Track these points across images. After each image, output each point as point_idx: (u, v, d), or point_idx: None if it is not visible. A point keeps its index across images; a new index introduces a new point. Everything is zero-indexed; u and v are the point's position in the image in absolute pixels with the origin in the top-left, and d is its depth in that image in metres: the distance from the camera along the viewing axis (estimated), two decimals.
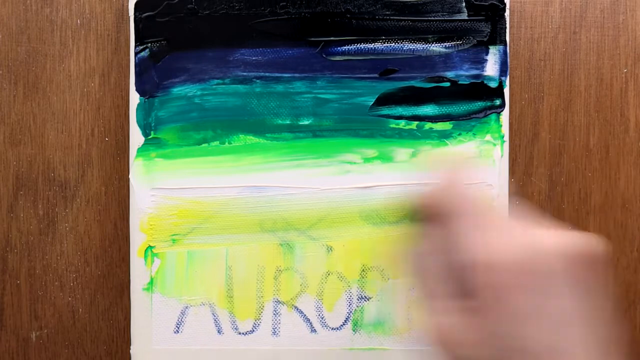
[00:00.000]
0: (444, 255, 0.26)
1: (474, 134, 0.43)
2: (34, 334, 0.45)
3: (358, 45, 0.43)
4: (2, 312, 0.45)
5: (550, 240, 0.25)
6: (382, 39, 0.42)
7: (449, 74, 0.43)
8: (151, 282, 0.43)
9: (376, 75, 0.43)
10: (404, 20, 0.42)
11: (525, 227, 0.25)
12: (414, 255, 0.28)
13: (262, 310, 0.43)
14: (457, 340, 0.25)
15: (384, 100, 0.43)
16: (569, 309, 0.24)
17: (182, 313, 0.43)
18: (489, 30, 0.42)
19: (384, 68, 0.43)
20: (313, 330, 0.43)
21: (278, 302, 0.43)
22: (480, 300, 0.24)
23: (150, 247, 0.43)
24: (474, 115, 0.43)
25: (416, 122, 0.43)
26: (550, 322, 0.24)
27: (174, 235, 0.43)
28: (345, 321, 0.43)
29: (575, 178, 0.45)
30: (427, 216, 0.27)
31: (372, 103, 0.43)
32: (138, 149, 0.43)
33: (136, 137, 0.43)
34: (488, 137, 0.43)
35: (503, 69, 0.43)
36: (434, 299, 0.26)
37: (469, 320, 0.24)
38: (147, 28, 0.42)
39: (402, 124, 0.43)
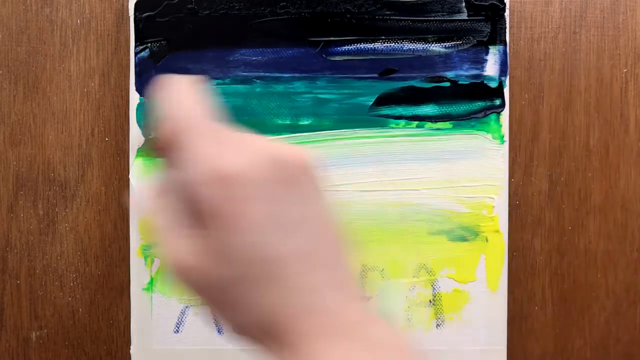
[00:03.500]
0: (178, 182, 0.25)
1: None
2: (34, 334, 0.45)
3: (358, 45, 0.43)
4: (2, 312, 0.45)
5: (276, 149, 0.24)
6: (382, 39, 0.42)
7: (449, 74, 0.43)
8: (151, 282, 0.43)
9: (376, 75, 0.43)
10: (404, 20, 0.42)
11: (253, 138, 0.25)
12: (149, 190, 0.27)
13: None
14: (194, 265, 0.24)
15: (384, 100, 0.43)
16: (303, 212, 0.24)
17: (182, 313, 0.43)
18: (489, 30, 0.42)
19: (384, 68, 0.43)
20: None
21: None
22: (215, 216, 0.23)
23: (150, 247, 0.43)
24: (474, 115, 0.43)
25: (416, 122, 0.43)
26: (288, 227, 0.24)
27: None
28: None
29: (575, 178, 0.45)
30: (162, 147, 0.26)
31: (372, 103, 0.43)
32: (138, 149, 0.43)
33: (136, 137, 0.43)
34: (488, 137, 0.43)
35: (503, 69, 0.43)
36: (170, 230, 0.25)
37: (205, 242, 0.24)
38: (147, 28, 0.42)
39: (402, 124, 0.43)
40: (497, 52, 0.42)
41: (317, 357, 0.24)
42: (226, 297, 0.25)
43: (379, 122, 0.43)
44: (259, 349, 0.26)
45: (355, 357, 0.24)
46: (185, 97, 0.25)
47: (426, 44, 0.42)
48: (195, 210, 0.24)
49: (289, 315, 0.24)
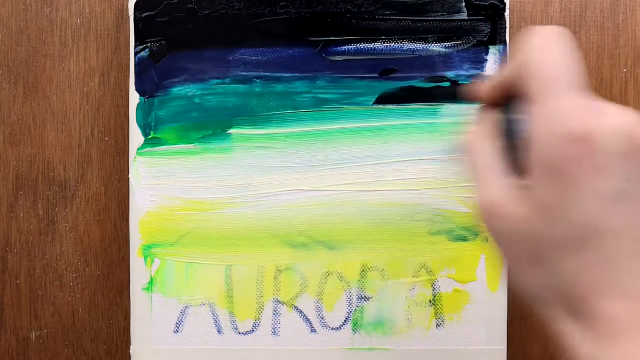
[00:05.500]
0: (524, 130, 0.24)
1: None
2: (34, 334, 0.45)
3: (358, 45, 0.43)
4: (2, 312, 0.45)
5: (618, 119, 0.24)
6: (382, 39, 0.42)
7: (449, 74, 0.43)
8: (151, 282, 0.43)
9: (376, 75, 0.43)
10: (404, 20, 0.42)
11: (615, 110, 0.24)
12: (468, 137, 0.27)
13: (262, 310, 0.43)
14: (507, 212, 0.24)
15: (384, 100, 0.43)
16: (625, 189, 0.23)
17: (182, 313, 0.43)
18: (489, 30, 0.42)
19: (384, 68, 0.43)
20: (313, 330, 0.43)
21: (278, 302, 0.43)
22: (559, 173, 0.23)
23: (150, 247, 0.43)
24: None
25: (417, 122, 0.43)
26: (632, 206, 0.23)
27: (173, 235, 0.43)
28: (345, 321, 0.43)
29: None
30: (515, 92, 0.25)
31: (372, 103, 0.43)
32: (138, 149, 0.43)
33: (136, 137, 0.43)
34: None
35: None
36: (487, 176, 0.25)
37: (522, 193, 0.24)
38: (147, 28, 0.42)
39: (401, 123, 0.43)
40: (497, 52, 0.42)
41: (620, 341, 0.23)
42: (535, 254, 0.24)
43: (379, 121, 0.43)
44: (545, 314, 0.25)
45: None
46: (564, 52, 0.25)
47: (426, 44, 0.42)
48: (540, 162, 0.23)
49: (601, 291, 0.23)
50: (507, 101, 0.26)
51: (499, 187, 0.25)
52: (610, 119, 0.23)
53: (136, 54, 0.43)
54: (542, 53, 0.25)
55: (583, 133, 0.23)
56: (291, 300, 0.43)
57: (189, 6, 0.42)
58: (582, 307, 0.24)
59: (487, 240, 0.43)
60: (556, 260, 0.24)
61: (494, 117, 0.27)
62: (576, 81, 0.24)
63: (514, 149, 0.25)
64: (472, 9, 0.42)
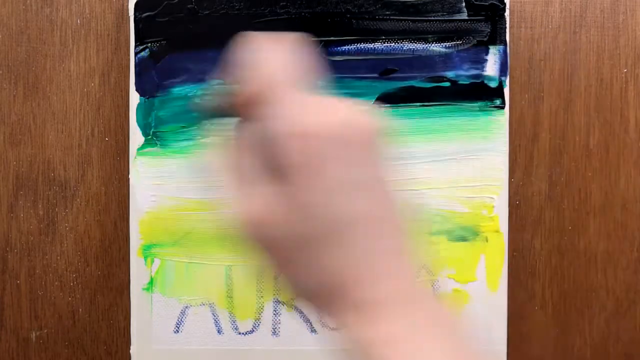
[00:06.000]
0: (259, 137, 0.25)
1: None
2: (34, 334, 0.45)
3: (358, 45, 0.43)
4: (2, 312, 0.45)
5: (354, 112, 0.25)
6: (382, 39, 0.42)
7: (449, 74, 0.43)
8: (151, 282, 0.43)
9: (376, 75, 0.43)
10: (404, 20, 0.42)
11: (333, 100, 0.25)
12: (217, 153, 0.27)
13: (262, 310, 0.43)
14: (271, 219, 0.24)
15: (384, 100, 0.43)
16: (374, 176, 0.25)
17: (182, 313, 0.43)
18: (489, 30, 0.42)
19: (384, 68, 0.43)
20: (313, 330, 0.43)
21: (278, 302, 0.43)
22: (295, 172, 0.24)
23: (150, 247, 0.43)
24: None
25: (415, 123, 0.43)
26: (361, 189, 0.24)
27: (173, 235, 0.43)
28: None
29: (575, 178, 0.45)
30: (245, 102, 0.26)
31: (372, 103, 0.43)
32: (138, 149, 0.43)
33: (136, 137, 0.43)
34: (488, 136, 0.43)
35: (503, 69, 0.43)
36: (244, 185, 0.25)
37: (280, 198, 0.24)
38: (147, 28, 0.42)
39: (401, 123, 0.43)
40: (497, 52, 0.42)
41: (383, 322, 0.24)
42: (295, 255, 0.25)
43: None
44: (320, 312, 0.26)
45: (421, 325, 0.24)
46: (278, 54, 0.25)
47: (426, 44, 0.42)
48: (275, 165, 0.24)
49: (356, 279, 0.24)
50: (246, 109, 0.26)
51: (258, 196, 0.25)
52: (333, 111, 0.24)
53: (136, 54, 0.43)
54: (261, 57, 0.25)
55: (309, 129, 0.23)
56: (291, 300, 0.43)
57: (189, 6, 0.42)
58: (346, 296, 0.24)
59: (487, 240, 0.43)
60: (317, 256, 0.24)
61: (239, 127, 0.27)
62: (298, 79, 0.25)
63: (264, 156, 0.25)
64: (472, 9, 0.42)
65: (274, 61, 0.25)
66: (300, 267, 0.25)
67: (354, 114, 0.25)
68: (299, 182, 0.24)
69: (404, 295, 0.24)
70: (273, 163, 0.24)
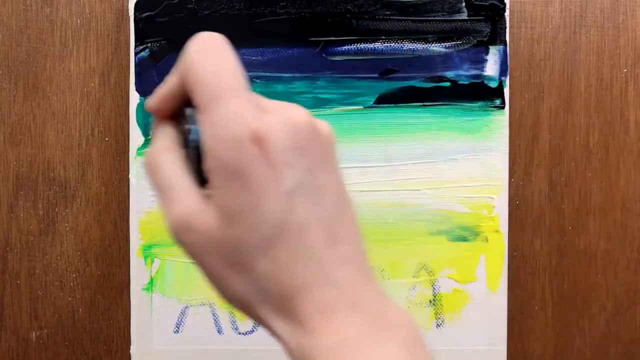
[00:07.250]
0: (200, 139, 0.24)
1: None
2: (34, 334, 0.45)
3: (358, 45, 0.43)
4: (2, 312, 0.45)
5: (308, 118, 0.24)
6: (382, 39, 0.42)
7: (449, 74, 0.43)
8: (151, 282, 0.43)
9: (376, 75, 0.43)
10: (404, 20, 0.42)
11: (286, 105, 0.25)
12: (148, 154, 0.26)
13: None
14: (199, 224, 0.23)
15: (384, 100, 0.43)
16: (328, 182, 0.24)
17: (182, 313, 0.43)
18: (489, 30, 0.42)
19: (384, 68, 0.43)
20: None
21: None
22: (241, 177, 0.23)
23: (150, 246, 0.43)
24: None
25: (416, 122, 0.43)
26: (314, 195, 0.23)
27: None
28: None
29: (575, 178, 0.45)
30: (188, 102, 0.25)
31: (372, 103, 0.43)
32: (138, 149, 0.43)
33: (136, 137, 0.43)
34: (488, 137, 0.43)
35: (503, 69, 0.43)
36: (174, 191, 0.24)
37: (209, 202, 0.23)
38: (147, 28, 0.42)
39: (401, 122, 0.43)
40: (497, 52, 0.42)
41: (326, 331, 0.23)
42: (233, 261, 0.24)
43: (379, 121, 0.43)
44: (257, 321, 0.25)
45: (365, 334, 0.23)
46: (224, 55, 0.24)
47: (426, 44, 0.42)
48: (218, 169, 0.23)
49: (299, 286, 0.23)
50: (182, 111, 0.26)
51: (187, 200, 0.24)
52: (277, 116, 0.23)
53: (136, 54, 0.43)
54: (201, 59, 0.24)
55: (253, 134, 0.23)
56: None
57: (189, 6, 0.42)
58: (286, 305, 0.23)
59: (487, 240, 0.43)
60: (254, 264, 0.23)
61: (171, 130, 0.26)
62: (240, 83, 0.24)
63: (197, 159, 0.24)
64: (472, 9, 0.42)
65: (220, 61, 0.24)
66: (238, 273, 0.24)
67: (302, 117, 0.24)
68: (242, 187, 0.23)
69: (352, 304, 0.23)
70: (215, 166, 0.23)
